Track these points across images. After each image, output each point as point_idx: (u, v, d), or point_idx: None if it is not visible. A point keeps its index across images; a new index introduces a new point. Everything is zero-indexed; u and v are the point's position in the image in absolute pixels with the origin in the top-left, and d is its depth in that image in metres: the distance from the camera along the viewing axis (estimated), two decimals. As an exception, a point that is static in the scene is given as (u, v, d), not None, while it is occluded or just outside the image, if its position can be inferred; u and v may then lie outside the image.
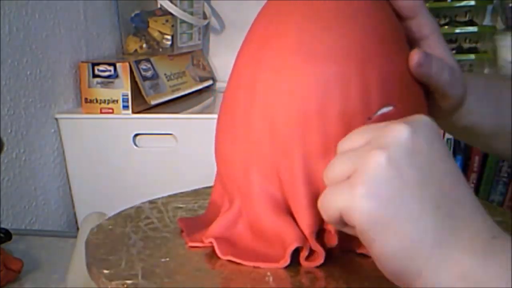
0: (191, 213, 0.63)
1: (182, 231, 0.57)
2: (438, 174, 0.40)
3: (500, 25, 1.69)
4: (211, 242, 0.52)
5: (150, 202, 0.66)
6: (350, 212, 0.40)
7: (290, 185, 0.50)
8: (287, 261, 0.49)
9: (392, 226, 0.39)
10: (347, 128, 0.47)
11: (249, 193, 0.51)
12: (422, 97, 0.54)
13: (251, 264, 0.49)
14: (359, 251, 0.51)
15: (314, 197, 0.48)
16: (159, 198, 0.67)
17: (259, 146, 0.50)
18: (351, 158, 0.41)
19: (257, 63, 0.52)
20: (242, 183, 0.52)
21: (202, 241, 0.53)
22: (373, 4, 0.52)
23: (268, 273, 0.48)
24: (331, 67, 0.49)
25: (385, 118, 0.48)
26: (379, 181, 0.39)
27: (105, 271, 0.50)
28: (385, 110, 0.49)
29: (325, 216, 0.42)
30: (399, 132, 0.40)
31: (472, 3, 1.63)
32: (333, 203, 0.41)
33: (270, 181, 0.50)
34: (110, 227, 0.60)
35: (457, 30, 1.64)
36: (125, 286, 0.48)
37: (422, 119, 0.42)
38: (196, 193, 0.70)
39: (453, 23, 1.67)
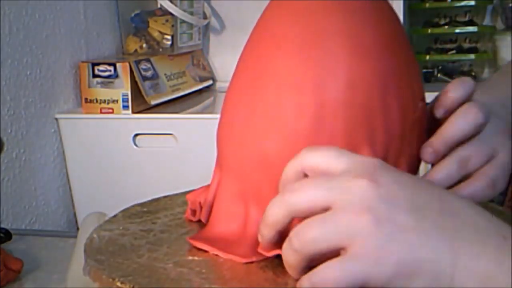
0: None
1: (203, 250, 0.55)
2: (424, 199, 0.41)
3: (500, 25, 1.69)
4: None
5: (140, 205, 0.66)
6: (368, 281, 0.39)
7: None
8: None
9: (414, 269, 0.39)
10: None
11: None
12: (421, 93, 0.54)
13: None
14: None
15: None
16: (149, 201, 0.67)
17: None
18: (329, 228, 0.40)
19: (262, 68, 0.52)
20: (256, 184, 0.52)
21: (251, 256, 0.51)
22: (371, 5, 0.52)
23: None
24: (330, 71, 0.50)
25: None
26: (379, 246, 0.39)
27: (104, 272, 0.50)
28: None
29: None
30: (361, 188, 0.40)
31: (472, 3, 1.63)
32: (325, 276, 0.40)
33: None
34: (107, 231, 0.60)
35: (457, 30, 1.64)
36: (125, 286, 0.48)
37: (368, 165, 0.42)
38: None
39: (453, 23, 1.67)
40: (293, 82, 0.50)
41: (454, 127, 0.51)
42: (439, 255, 0.39)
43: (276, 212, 0.43)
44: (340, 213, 0.40)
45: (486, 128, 0.51)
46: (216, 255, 0.52)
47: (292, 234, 0.41)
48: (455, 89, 0.52)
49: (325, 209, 0.41)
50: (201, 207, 0.59)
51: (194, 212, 0.60)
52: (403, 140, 0.51)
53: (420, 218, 0.39)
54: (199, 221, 0.59)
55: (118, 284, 0.48)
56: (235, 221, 0.54)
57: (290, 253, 0.42)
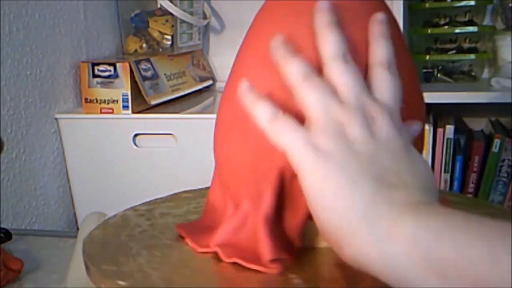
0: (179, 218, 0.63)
1: (181, 237, 0.56)
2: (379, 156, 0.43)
3: (500, 25, 1.69)
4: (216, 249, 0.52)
5: (134, 209, 0.66)
6: (295, 155, 0.44)
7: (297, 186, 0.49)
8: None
9: (331, 185, 0.42)
10: None
11: (261, 196, 0.50)
12: (418, 94, 0.54)
13: (254, 267, 0.49)
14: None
15: None
16: (142, 204, 0.67)
17: (261, 146, 0.50)
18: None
19: (247, 63, 0.53)
20: (251, 186, 0.51)
21: (209, 247, 0.52)
22: (363, 5, 0.52)
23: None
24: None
25: None
26: (333, 141, 0.43)
27: (103, 272, 0.50)
28: None
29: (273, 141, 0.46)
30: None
31: (472, 3, 1.63)
32: (283, 135, 0.45)
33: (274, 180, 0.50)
34: (106, 231, 0.60)
35: (457, 30, 1.64)
36: (123, 286, 0.48)
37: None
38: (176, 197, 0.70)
39: (453, 23, 1.67)
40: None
41: None
42: (358, 198, 0.41)
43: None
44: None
45: None
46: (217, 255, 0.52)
47: None
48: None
49: None
50: None
51: None
52: None
53: (368, 167, 0.43)
54: (195, 226, 0.59)
55: (117, 284, 0.48)
56: (214, 215, 0.56)
57: None
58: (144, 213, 0.64)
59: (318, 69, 0.48)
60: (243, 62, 0.54)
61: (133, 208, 0.66)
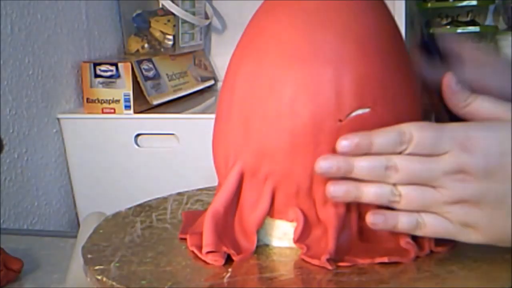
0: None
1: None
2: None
3: (502, 25, 1.69)
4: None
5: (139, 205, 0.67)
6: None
7: (257, 184, 0.51)
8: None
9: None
10: (317, 128, 0.49)
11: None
12: (413, 96, 0.53)
13: (203, 257, 0.51)
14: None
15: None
16: (142, 204, 0.67)
17: (236, 142, 0.52)
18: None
19: (239, 62, 0.54)
20: (222, 180, 0.54)
21: (187, 233, 0.55)
22: (356, 5, 0.52)
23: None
24: (304, 69, 0.50)
25: (359, 120, 0.49)
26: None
27: (102, 272, 0.50)
28: (359, 112, 0.49)
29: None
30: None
31: (474, 3, 1.63)
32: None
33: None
34: (101, 231, 0.60)
35: (459, 30, 1.64)
36: (122, 286, 0.48)
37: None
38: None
39: (455, 23, 1.67)
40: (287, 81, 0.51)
41: None
42: None
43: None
44: None
45: None
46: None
47: None
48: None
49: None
50: None
51: None
52: None
53: None
54: (196, 214, 0.61)
55: (116, 284, 0.48)
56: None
57: None
58: (144, 213, 0.64)
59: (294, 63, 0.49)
60: (238, 63, 0.54)
61: (133, 208, 0.66)
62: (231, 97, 0.53)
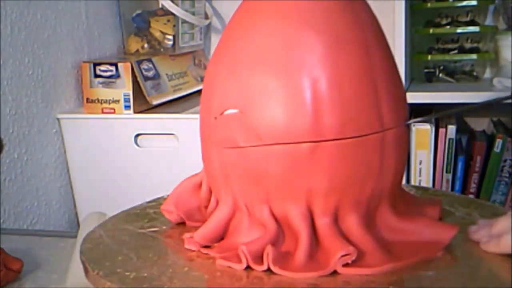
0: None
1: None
2: None
3: (501, 25, 1.69)
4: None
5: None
6: None
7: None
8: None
9: None
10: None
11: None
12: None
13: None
14: None
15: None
16: (142, 205, 0.67)
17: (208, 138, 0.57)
18: None
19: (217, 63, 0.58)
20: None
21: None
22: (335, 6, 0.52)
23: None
24: (278, 74, 0.52)
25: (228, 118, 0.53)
26: None
27: (101, 272, 0.50)
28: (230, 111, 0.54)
29: None
30: None
31: (474, 3, 1.62)
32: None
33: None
34: (105, 232, 0.60)
35: (459, 30, 1.64)
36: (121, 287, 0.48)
37: None
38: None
39: (455, 23, 1.66)
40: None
41: None
42: None
43: None
44: None
45: None
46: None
47: None
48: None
49: None
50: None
51: None
52: None
53: None
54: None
55: (115, 284, 0.48)
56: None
57: None
58: (144, 213, 0.64)
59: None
60: (215, 68, 0.56)
61: (132, 208, 0.66)
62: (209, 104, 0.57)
